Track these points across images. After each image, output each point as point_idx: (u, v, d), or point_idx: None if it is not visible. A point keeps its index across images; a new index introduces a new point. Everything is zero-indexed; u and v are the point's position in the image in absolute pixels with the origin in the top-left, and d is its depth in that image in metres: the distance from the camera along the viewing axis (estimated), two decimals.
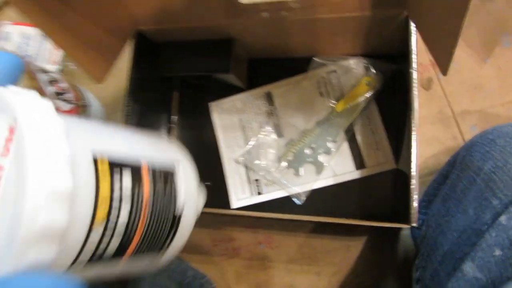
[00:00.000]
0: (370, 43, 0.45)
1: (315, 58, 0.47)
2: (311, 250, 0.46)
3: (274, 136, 0.49)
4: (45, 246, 0.17)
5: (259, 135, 0.49)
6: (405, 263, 0.43)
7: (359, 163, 0.46)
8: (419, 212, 0.38)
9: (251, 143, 0.49)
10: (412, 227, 0.41)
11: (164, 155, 0.27)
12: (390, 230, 0.45)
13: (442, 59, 0.32)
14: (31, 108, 0.19)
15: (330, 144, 0.47)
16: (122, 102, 0.57)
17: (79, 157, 0.19)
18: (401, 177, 0.44)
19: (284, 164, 0.48)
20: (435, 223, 0.34)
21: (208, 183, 0.50)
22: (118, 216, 0.21)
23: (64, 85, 0.48)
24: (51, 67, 0.57)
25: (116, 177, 0.21)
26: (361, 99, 0.46)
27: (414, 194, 0.35)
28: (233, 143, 0.51)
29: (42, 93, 0.44)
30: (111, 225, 0.21)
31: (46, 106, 0.20)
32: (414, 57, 0.38)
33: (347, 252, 0.45)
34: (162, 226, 0.24)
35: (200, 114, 0.53)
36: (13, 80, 0.23)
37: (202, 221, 0.49)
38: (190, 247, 0.50)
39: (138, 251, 0.23)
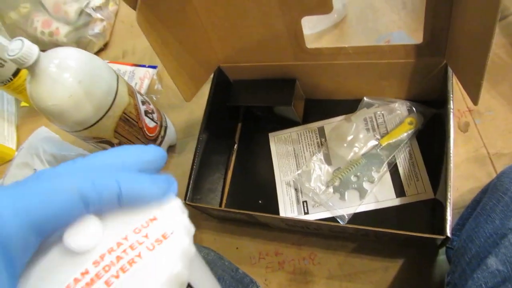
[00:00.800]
0: (412, 88, 0.52)
1: (365, 97, 0.55)
2: (351, 268, 0.50)
3: (323, 164, 0.56)
4: None
5: (310, 162, 0.56)
6: (441, 286, 0.46)
7: (399, 192, 0.51)
8: (453, 234, 0.42)
9: (303, 168, 0.56)
10: (447, 248, 0.45)
11: None
12: (427, 255, 0.48)
13: (473, 91, 0.39)
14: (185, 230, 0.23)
15: (374, 174, 0.52)
16: (190, 130, 0.67)
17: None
18: (438, 206, 0.48)
19: (331, 188, 0.54)
20: (466, 235, 0.38)
21: (260, 202, 0.57)
22: None
23: (152, 106, 0.59)
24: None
25: None
26: (403, 136, 0.52)
27: (449, 208, 0.40)
28: (286, 168, 0.58)
29: (137, 109, 0.54)
30: None
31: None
32: (451, 101, 0.45)
33: (385, 273, 0.48)
34: None
35: (259, 143, 0.61)
36: (157, 170, 0.24)
37: (253, 235, 0.55)
38: (238, 258, 0.55)
39: None
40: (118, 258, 0.22)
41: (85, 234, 0.22)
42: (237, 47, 0.53)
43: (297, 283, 0.51)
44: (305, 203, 0.55)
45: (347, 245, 0.51)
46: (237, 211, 0.48)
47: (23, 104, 0.82)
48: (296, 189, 0.56)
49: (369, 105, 0.55)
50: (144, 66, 0.73)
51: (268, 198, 0.57)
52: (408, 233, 0.41)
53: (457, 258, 0.37)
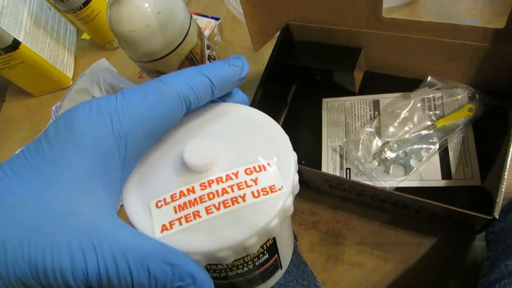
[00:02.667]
0: (480, 75, 0.52)
1: (430, 77, 0.55)
2: (384, 238, 0.51)
3: (373, 136, 0.56)
4: None
5: (360, 133, 0.57)
6: (470, 272, 0.47)
7: (446, 174, 0.51)
8: (498, 218, 0.42)
9: (352, 136, 0.57)
10: (487, 233, 0.45)
11: None
12: (463, 237, 0.49)
13: None
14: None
15: (423, 153, 0.53)
16: (244, 84, 0.68)
17: None
18: (484, 194, 0.48)
19: (376, 160, 0.54)
20: None
21: (304, 162, 0.58)
22: None
23: (215, 53, 0.60)
24: None
25: None
26: (460, 121, 0.52)
27: (500, 189, 0.40)
28: (335, 135, 0.58)
29: (202, 51, 0.56)
30: None
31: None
32: None
33: (417, 247, 0.49)
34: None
35: (311, 107, 0.62)
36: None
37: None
38: None
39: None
40: (224, 191, 0.23)
41: (203, 156, 0.23)
42: (310, 5, 0.54)
43: (328, 243, 0.53)
44: (348, 170, 0.56)
45: (383, 216, 0.52)
46: None
47: (83, 36, 0.85)
48: (341, 156, 0.57)
49: (431, 85, 0.55)
50: (206, 16, 0.74)
51: (312, 161, 0.58)
52: (456, 209, 0.42)
53: (502, 236, 0.38)
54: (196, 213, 0.22)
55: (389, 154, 0.54)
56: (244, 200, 0.23)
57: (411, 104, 0.55)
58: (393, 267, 0.49)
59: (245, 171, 0.24)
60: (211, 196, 0.23)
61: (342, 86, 0.60)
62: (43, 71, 0.75)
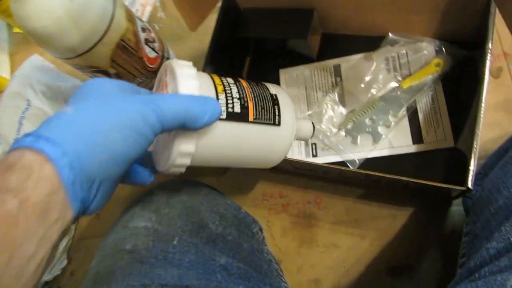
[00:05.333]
0: (444, 26, 0.47)
1: (391, 33, 0.50)
2: (358, 214, 0.48)
3: (336, 105, 0.52)
4: None
5: (322, 103, 0.52)
6: (450, 240, 0.44)
7: (417, 138, 0.48)
8: (474, 183, 0.39)
9: (315, 108, 0.52)
10: (464, 198, 0.42)
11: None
12: (439, 204, 0.46)
13: None
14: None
15: (391, 118, 0.49)
16: (195, 64, 0.62)
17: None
18: (458, 155, 0.45)
19: (342, 131, 0.50)
20: (491, 184, 0.35)
21: None
22: (231, 91, 0.32)
23: (153, 35, 0.54)
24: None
25: (223, 78, 0.34)
26: (428, 78, 0.48)
27: (473, 158, 0.37)
28: (296, 108, 0.54)
29: (136, 36, 0.49)
30: (228, 95, 0.32)
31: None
32: (490, 41, 0.40)
33: (393, 221, 0.47)
34: (265, 100, 0.34)
35: (268, 80, 0.56)
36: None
37: (257, 176, 0.53)
38: (241, 198, 0.53)
39: (257, 117, 0.33)
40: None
41: None
42: None
43: (300, 226, 0.50)
44: (314, 145, 0.52)
45: (355, 191, 0.49)
46: None
47: (15, 30, 0.77)
48: None
49: (393, 43, 0.50)
50: None
51: None
52: (425, 182, 0.38)
53: (480, 208, 0.35)
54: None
55: (355, 123, 0.50)
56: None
57: (374, 66, 0.51)
58: (369, 243, 0.47)
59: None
60: None
61: (299, 53, 0.54)
62: None
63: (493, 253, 0.29)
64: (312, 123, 0.41)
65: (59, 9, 0.40)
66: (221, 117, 0.31)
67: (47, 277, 0.55)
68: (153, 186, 0.43)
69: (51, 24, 0.41)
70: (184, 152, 0.30)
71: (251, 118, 0.33)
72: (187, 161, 0.31)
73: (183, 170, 0.32)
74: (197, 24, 0.47)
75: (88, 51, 0.45)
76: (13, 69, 0.74)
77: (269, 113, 0.34)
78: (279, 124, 0.35)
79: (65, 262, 0.57)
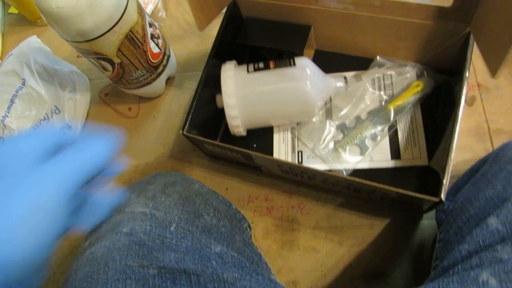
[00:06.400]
0: (427, 53, 0.52)
1: (379, 57, 0.54)
2: (338, 221, 0.51)
3: (324, 118, 0.55)
4: None
5: None
6: (420, 250, 0.48)
7: (395, 155, 0.52)
8: (447, 198, 0.43)
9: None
10: (437, 212, 0.46)
11: None
12: (412, 217, 0.50)
13: (495, 63, 0.38)
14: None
15: (377, 132, 0.52)
16: (191, 64, 0.65)
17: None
18: (431, 174, 0.49)
19: (331, 142, 0.53)
20: (464, 197, 0.39)
21: (255, 145, 0.56)
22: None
23: (158, 31, 0.56)
24: None
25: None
26: (409, 99, 0.52)
27: (447, 173, 0.41)
28: None
29: (144, 30, 0.51)
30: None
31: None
32: (468, 70, 0.45)
33: (370, 230, 0.50)
34: (283, 60, 0.50)
35: None
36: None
37: (244, 177, 0.55)
38: (227, 198, 0.55)
39: (276, 65, 0.50)
40: None
41: None
42: None
43: (283, 229, 0.52)
44: (300, 153, 0.55)
45: (337, 200, 0.52)
46: (235, 147, 0.48)
47: (11, 10, 0.76)
48: (293, 138, 0.55)
49: (380, 65, 0.55)
50: None
51: (263, 143, 0.56)
52: (404, 192, 0.42)
53: (453, 217, 0.38)
54: None
55: (346, 136, 0.53)
56: None
57: (362, 85, 0.55)
58: (347, 250, 0.49)
59: None
60: None
61: None
62: None
63: (465, 254, 0.32)
64: (345, 77, 0.52)
65: None
66: (251, 70, 0.50)
67: None
68: (144, 177, 0.44)
69: (69, 7, 0.42)
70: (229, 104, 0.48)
71: (271, 66, 0.50)
72: (235, 112, 0.48)
73: (240, 127, 0.50)
74: (205, 25, 0.49)
75: (98, 37, 0.46)
76: (4, 49, 0.73)
77: (286, 62, 0.50)
78: (294, 64, 0.49)
79: None
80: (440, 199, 0.40)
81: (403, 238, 0.49)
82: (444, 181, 0.41)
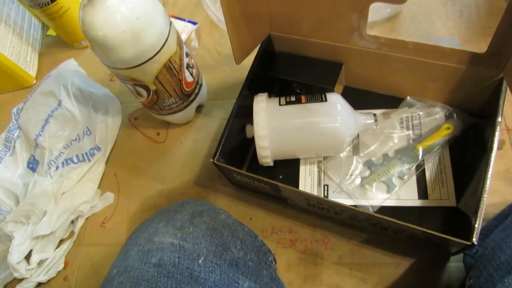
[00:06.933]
0: (457, 95, 0.52)
1: (409, 97, 0.55)
2: (362, 258, 0.51)
3: (351, 153, 0.56)
4: None
5: None
6: None
7: (423, 194, 0.52)
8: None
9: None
10: (465, 256, 0.46)
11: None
12: (439, 259, 0.49)
13: None
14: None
15: (405, 171, 0.53)
16: (220, 94, 0.66)
17: None
18: (458, 216, 0.49)
19: (358, 178, 0.54)
20: (494, 244, 0.38)
21: (281, 177, 0.57)
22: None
23: (193, 61, 0.58)
24: None
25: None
26: (438, 141, 0.53)
27: (478, 217, 0.40)
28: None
29: (181, 59, 0.53)
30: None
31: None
32: (500, 115, 0.45)
33: (395, 268, 0.49)
34: (316, 95, 0.51)
35: None
36: None
37: (268, 208, 0.55)
38: (251, 228, 0.55)
39: (307, 100, 0.51)
40: None
41: None
42: (293, 17, 0.52)
43: (306, 263, 0.52)
44: (326, 187, 0.55)
45: (362, 236, 0.52)
46: (264, 178, 0.48)
47: (49, 33, 0.80)
48: (319, 171, 0.56)
49: (410, 105, 0.55)
50: (183, 20, 0.72)
51: (289, 175, 0.57)
52: (435, 233, 0.42)
53: (483, 263, 0.38)
54: None
55: (372, 173, 0.53)
56: None
57: (391, 124, 0.55)
58: None
59: None
60: None
61: None
62: (3, 68, 0.69)
63: None
64: (375, 114, 0.52)
65: (124, 24, 0.44)
66: (282, 103, 0.51)
67: (42, 278, 0.54)
68: (171, 204, 0.45)
69: (113, 36, 0.44)
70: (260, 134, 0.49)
71: (303, 101, 0.51)
72: (265, 143, 0.49)
73: (269, 158, 0.51)
74: (243, 58, 0.51)
75: (138, 65, 0.48)
76: (39, 69, 0.76)
77: (318, 98, 0.51)
78: (325, 100, 0.50)
79: (61, 266, 0.57)
80: (472, 242, 0.40)
81: (429, 280, 0.48)
82: (476, 225, 0.41)
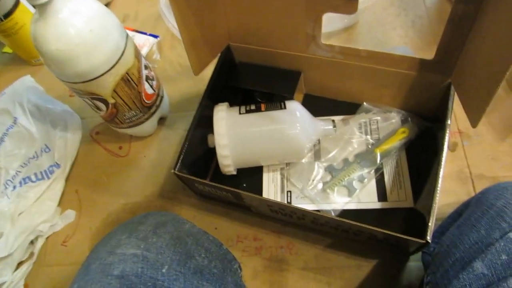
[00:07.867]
0: (410, 100, 0.55)
1: (365, 103, 0.57)
2: (326, 262, 0.51)
3: (312, 159, 0.57)
4: None
5: None
6: None
7: (382, 197, 0.53)
8: (432, 241, 0.44)
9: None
10: (423, 254, 0.47)
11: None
12: (399, 258, 0.50)
13: (475, 114, 0.41)
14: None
15: (365, 174, 0.54)
16: (182, 105, 0.66)
17: None
18: (416, 216, 0.50)
19: (320, 183, 0.55)
20: (449, 241, 0.40)
21: (244, 185, 0.57)
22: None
23: (153, 73, 0.58)
24: None
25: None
26: (395, 144, 0.54)
27: (432, 216, 0.42)
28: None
29: (140, 72, 0.53)
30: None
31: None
32: (449, 118, 0.47)
33: (358, 270, 0.50)
34: (275, 104, 0.52)
35: None
36: None
37: (233, 217, 0.56)
38: (216, 237, 0.55)
39: (267, 108, 0.52)
40: None
41: None
42: (251, 28, 0.53)
43: (271, 270, 0.52)
44: (289, 193, 0.55)
45: (325, 240, 0.53)
46: (225, 187, 0.48)
47: (5, 50, 0.78)
48: (282, 178, 0.56)
49: (367, 111, 0.57)
50: (145, 33, 0.72)
51: (253, 183, 0.57)
52: (391, 233, 0.43)
53: (439, 260, 0.39)
54: None
55: (334, 177, 0.54)
56: None
57: (350, 129, 0.57)
58: None
59: None
60: None
61: None
62: None
63: None
64: (333, 120, 0.54)
65: (77, 37, 0.44)
66: (242, 112, 0.51)
67: None
68: (134, 216, 0.44)
69: (67, 50, 0.44)
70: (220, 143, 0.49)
71: (263, 109, 0.52)
72: (226, 152, 0.50)
73: (230, 166, 0.52)
74: (201, 70, 0.51)
75: (94, 79, 0.47)
76: None
77: (277, 106, 0.52)
78: (285, 107, 0.52)
79: None
80: (427, 240, 0.41)
81: (390, 279, 0.49)
82: (430, 223, 0.42)
